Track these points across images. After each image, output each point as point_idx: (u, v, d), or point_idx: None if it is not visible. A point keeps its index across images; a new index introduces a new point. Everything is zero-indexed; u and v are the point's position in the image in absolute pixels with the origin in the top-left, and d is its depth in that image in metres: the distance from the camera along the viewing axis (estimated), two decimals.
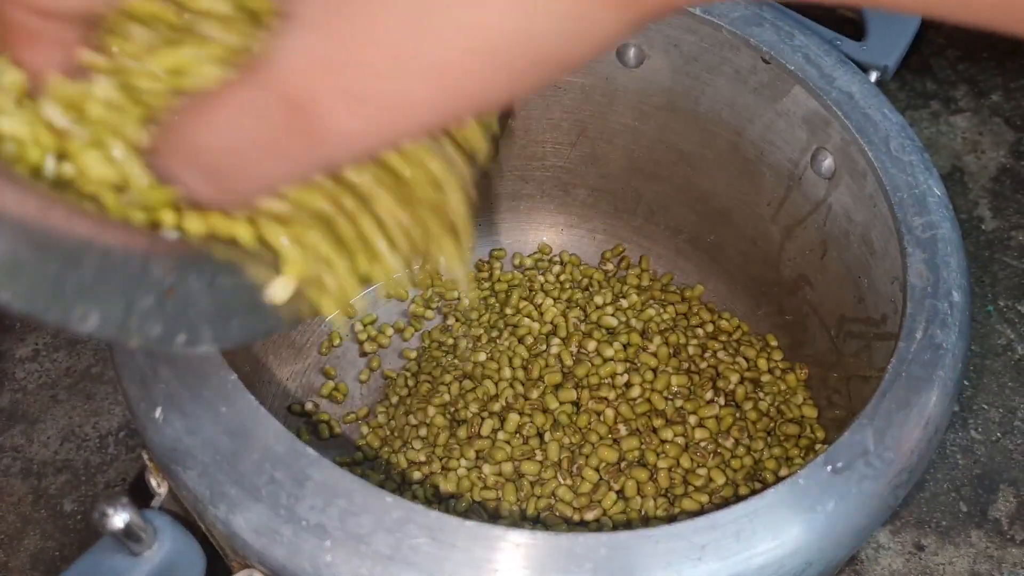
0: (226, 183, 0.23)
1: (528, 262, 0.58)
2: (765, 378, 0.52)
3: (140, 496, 0.34)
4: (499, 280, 0.57)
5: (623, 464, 0.47)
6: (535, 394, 0.49)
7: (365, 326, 0.55)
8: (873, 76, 0.46)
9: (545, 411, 0.49)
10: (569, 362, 0.50)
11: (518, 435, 0.48)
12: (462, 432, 0.49)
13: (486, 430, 0.48)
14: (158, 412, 0.32)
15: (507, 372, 0.51)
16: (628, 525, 0.46)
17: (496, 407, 0.49)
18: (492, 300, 0.56)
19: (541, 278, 0.57)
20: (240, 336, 0.26)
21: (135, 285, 0.22)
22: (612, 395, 0.49)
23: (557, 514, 0.46)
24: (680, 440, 0.48)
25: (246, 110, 0.22)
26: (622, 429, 0.48)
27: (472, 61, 0.20)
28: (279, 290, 0.25)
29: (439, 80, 0.20)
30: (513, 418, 0.48)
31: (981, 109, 0.72)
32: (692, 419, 0.49)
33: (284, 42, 0.21)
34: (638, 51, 0.49)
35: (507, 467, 0.47)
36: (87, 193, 0.24)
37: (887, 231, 0.41)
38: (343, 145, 0.22)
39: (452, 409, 0.50)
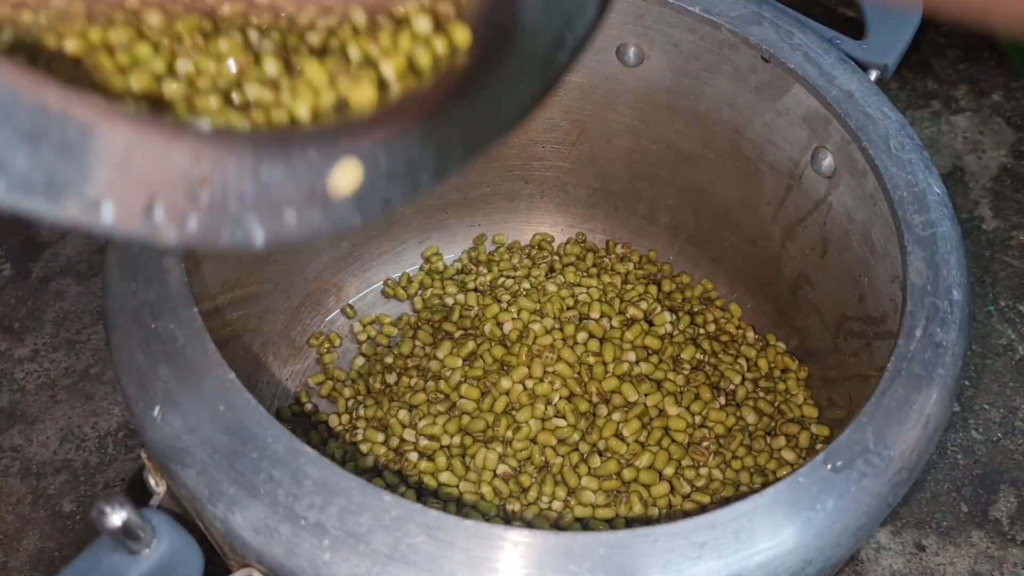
0: None
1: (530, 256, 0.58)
2: (765, 378, 0.52)
3: (138, 495, 0.34)
4: (498, 273, 0.57)
5: (625, 466, 0.47)
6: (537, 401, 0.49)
7: (365, 326, 0.55)
8: (873, 75, 0.46)
9: (545, 419, 0.49)
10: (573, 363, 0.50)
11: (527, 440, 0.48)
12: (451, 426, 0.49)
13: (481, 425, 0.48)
14: (156, 411, 0.32)
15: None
16: (628, 524, 0.46)
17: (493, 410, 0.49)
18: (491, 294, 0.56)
19: (544, 265, 0.57)
20: (299, 231, 0.22)
21: (158, 173, 0.20)
22: (609, 388, 0.49)
23: (556, 513, 0.46)
24: (682, 439, 0.48)
25: None
26: (624, 430, 0.48)
27: None
28: (343, 177, 0.22)
29: None
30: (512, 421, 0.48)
31: (982, 109, 0.72)
32: (695, 419, 0.49)
33: None
34: (638, 51, 0.49)
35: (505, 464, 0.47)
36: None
37: (887, 229, 0.41)
38: None
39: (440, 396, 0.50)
